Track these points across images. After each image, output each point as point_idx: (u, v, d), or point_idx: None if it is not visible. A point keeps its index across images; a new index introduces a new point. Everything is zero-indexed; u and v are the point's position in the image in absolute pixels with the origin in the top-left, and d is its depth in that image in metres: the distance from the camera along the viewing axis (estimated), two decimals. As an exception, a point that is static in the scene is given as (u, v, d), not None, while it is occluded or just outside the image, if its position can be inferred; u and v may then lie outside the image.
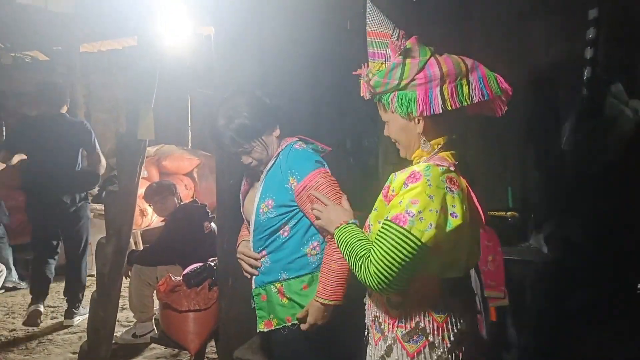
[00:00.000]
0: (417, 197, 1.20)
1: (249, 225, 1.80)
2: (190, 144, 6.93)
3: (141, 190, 3.42)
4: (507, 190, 2.58)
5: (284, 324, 1.73)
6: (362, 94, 1.40)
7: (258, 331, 1.77)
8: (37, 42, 6.41)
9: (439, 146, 1.33)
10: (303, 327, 1.69)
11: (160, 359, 3.29)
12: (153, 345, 3.43)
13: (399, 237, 1.20)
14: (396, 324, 1.33)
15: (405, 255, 1.20)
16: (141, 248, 4.89)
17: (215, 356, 3.18)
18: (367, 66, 1.37)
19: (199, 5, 2.55)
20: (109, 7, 4.68)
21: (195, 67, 6.13)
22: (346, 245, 1.36)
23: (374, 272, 1.24)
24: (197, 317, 2.66)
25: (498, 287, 2.18)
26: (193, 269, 2.80)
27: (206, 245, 3.50)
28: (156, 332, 3.51)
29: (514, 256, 2.33)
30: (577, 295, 2.41)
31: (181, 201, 3.71)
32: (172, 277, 2.76)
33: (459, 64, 1.28)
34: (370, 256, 1.26)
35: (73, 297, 3.91)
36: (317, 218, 1.53)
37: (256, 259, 1.77)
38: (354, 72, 1.41)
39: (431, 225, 1.19)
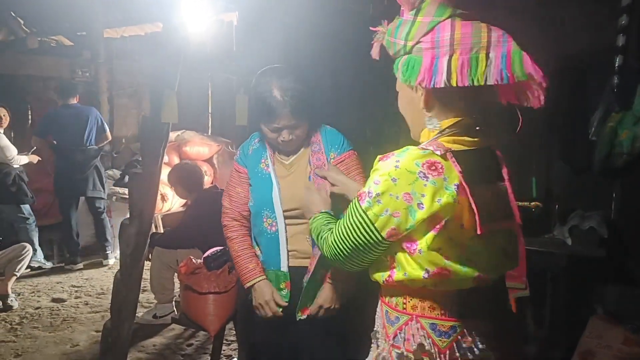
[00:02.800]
0: (380, 177, 1.08)
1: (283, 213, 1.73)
2: (210, 130, 6.98)
3: (162, 175, 3.47)
4: (531, 181, 2.54)
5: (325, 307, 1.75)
6: (371, 53, 1.23)
7: (298, 319, 1.75)
8: (62, 27, 6.51)
9: (448, 128, 1.12)
10: (312, 309, 1.73)
11: (179, 339, 3.36)
12: (172, 325, 3.50)
13: (355, 215, 1.12)
14: (391, 342, 1.18)
15: (358, 236, 1.11)
16: (162, 231, 4.97)
17: (233, 338, 3.23)
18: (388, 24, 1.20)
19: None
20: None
21: (216, 53, 6.15)
22: (317, 229, 1.32)
23: (331, 242, 1.19)
24: (217, 300, 2.69)
25: (519, 278, 2.16)
26: (213, 252, 2.83)
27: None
28: (176, 313, 3.58)
29: (537, 247, 2.30)
30: (600, 288, 2.37)
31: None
32: (193, 260, 2.79)
33: (478, 33, 1.06)
34: (334, 227, 1.21)
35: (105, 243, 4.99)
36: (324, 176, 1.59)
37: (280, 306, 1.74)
38: (372, 28, 1.23)
39: (387, 210, 1.07)
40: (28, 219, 4.80)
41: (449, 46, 1.06)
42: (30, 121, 6.83)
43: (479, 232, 1.06)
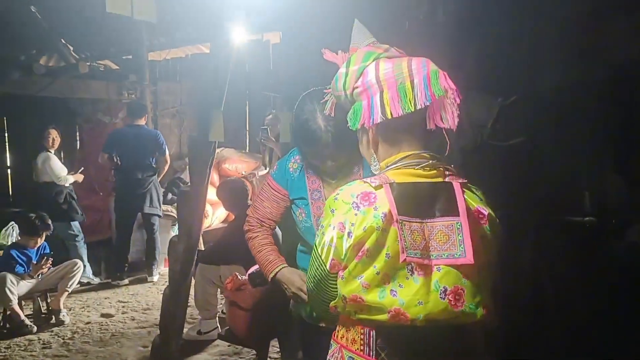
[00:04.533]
0: (325, 210, 1.16)
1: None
2: (247, 147, 7.10)
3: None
4: (584, 195, 2.45)
5: None
6: (326, 112, 1.37)
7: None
8: (108, 52, 6.83)
9: (387, 166, 1.16)
10: None
11: (224, 356, 3.37)
12: (217, 342, 3.53)
13: (314, 251, 1.18)
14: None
15: (314, 270, 1.17)
16: (203, 248, 5.06)
17: (277, 355, 3.22)
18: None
19: (264, 12, 2.61)
20: (178, 16, 4.91)
21: (254, 71, 6.30)
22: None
23: (307, 284, 1.26)
24: (262, 317, 2.70)
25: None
26: (257, 268, 2.84)
27: (268, 247, 3.57)
28: (220, 329, 3.61)
29: (592, 263, 2.21)
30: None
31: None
32: (239, 276, 2.82)
33: (399, 65, 1.13)
34: None
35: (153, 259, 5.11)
36: None
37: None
38: (325, 90, 1.36)
39: (327, 241, 1.11)
40: (77, 235, 4.98)
41: (376, 84, 1.13)
42: (78, 142, 7.16)
43: (400, 260, 1.04)
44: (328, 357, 1.22)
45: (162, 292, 4.69)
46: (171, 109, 6.27)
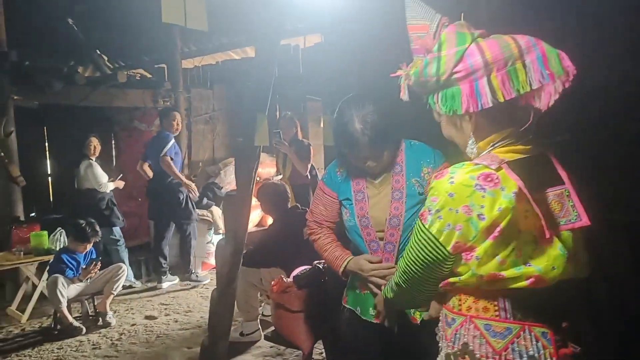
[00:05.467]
0: (437, 194, 1.13)
1: (375, 232, 1.75)
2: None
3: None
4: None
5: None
6: (401, 96, 1.28)
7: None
8: (142, 61, 7.00)
9: (492, 144, 1.17)
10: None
11: (267, 357, 3.42)
12: (259, 343, 3.58)
13: (421, 235, 1.16)
14: (449, 342, 1.21)
15: (427, 254, 1.15)
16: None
17: (319, 357, 3.25)
18: (408, 66, 1.25)
19: (305, 16, 2.64)
20: (209, 24, 5.01)
21: (284, 75, 6.37)
22: (387, 287, 1.44)
23: (404, 266, 1.23)
24: (308, 318, 2.73)
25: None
26: (302, 270, 2.88)
27: (306, 250, 3.59)
28: (261, 331, 3.67)
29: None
30: None
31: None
32: (284, 278, 2.86)
33: (508, 46, 1.10)
34: (398, 265, 1.27)
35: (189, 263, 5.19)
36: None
37: (389, 268, 1.72)
38: (391, 74, 1.29)
39: (449, 225, 1.10)
40: (119, 240, 5.12)
41: (484, 68, 1.10)
42: (114, 149, 7.36)
43: (547, 236, 1.08)
44: (450, 334, 1.20)
45: (201, 294, 4.81)
46: (204, 115, 6.38)
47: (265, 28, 2.40)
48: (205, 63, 7.13)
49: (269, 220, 4.14)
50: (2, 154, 4.67)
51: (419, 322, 1.73)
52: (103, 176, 5.07)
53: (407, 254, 1.22)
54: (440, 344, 1.29)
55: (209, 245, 5.70)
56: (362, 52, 2.48)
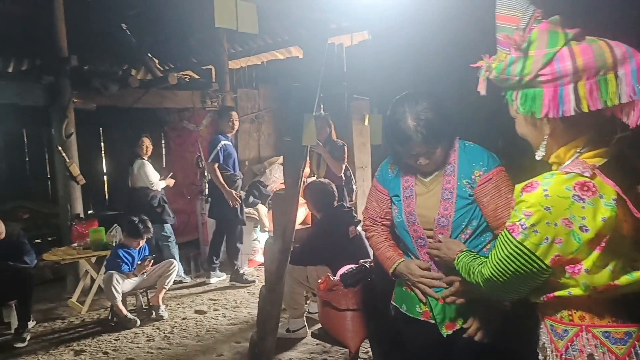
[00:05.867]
0: (531, 208, 1.09)
1: (422, 231, 1.75)
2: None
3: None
4: None
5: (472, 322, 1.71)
6: (478, 89, 1.22)
7: (445, 335, 1.74)
8: (190, 63, 7.22)
9: (578, 151, 1.13)
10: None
11: (313, 354, 3.46)
12: (306, 340, 3.63)
13: (512, 248, 1.12)
14: (562, 354, 1.17)
15: (519, 267, 1.12)
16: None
17: (366, 356, 3.26)
18: (490, 57, 1.20)
19: (353, 13, 2.65)
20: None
21: (328, 74, 6.39)
22: (465, 266, 1.39)
23: (488, 275, 1.20)
24: (355, 317, 2.76)
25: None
26: (349, 269, 2.90)
27: (352, 249, 3.61)
28: (307, 328, 3.71)
29: None
30: None
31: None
32: (331, 277, 2.89)
33: (602, 54, 1.04)
34: (487, 261, 1.23)
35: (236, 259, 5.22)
36: (436, 250, 1.62)
37: (438, 279, 1.72)
38: (472, 65, 1.24)
39: (547, 239, 1.07)
40: (170, 237, 5.30)
41: (572, 74, 1.05)
42: (164, 149, 7.64)
43: None
44: (562, 346, 1.17)
45: (248, 291, 4.92)
46: (250, 114, 6.50)
47: (312, 27, 2.42)
48: (251, 63, 7.25)
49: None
50: (64, 154, 4.94)
51: (458, 327, 1.73)
52: (155, 175, 5.27)
53: (496, 264, 1.18)
54: (543, 356, 1.26)
55: (254, 242, 5.82)
56: (413, 49, 2.46)
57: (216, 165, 5.01)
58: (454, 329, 1.73)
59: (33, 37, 5.41)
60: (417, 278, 1.75)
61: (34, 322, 4.15)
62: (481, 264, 1.30)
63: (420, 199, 1.77)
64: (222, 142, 5.07)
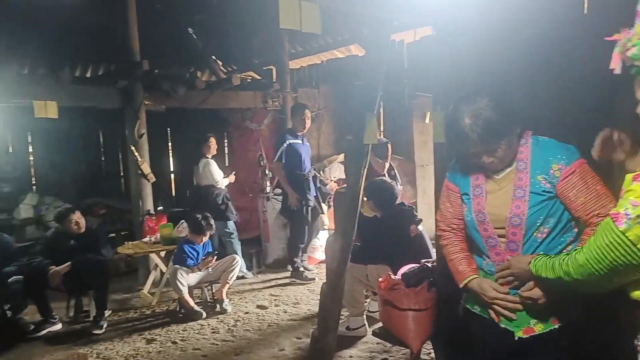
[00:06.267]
0: (639, 198, 1.06)
1: (495, 231, 1.70)
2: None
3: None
4: None
5: (551, 327, 1.64)
6: (612, 66, 1.14)
7: (517, 338, 1.68)
8: (252, 64, 7.40)
9: None
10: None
11: (373, 353, 3.45)
12: (366, 339, 3.63)
13: (612, 237, 1.10)
14: None
15: (617, 257, 1.10)
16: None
17: (427, 358, 3.21)
18: (629, 31, 1.10)
19: (417, 10, 2.60)
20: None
21: (388, 71, 6.33)
22: (547, 262, 1.38)
23: (584, 261, 1.18)
24: (417, 317, 2.72)
25: None
26: (411, 268, 2.87)
27: (413, 247, 3.57)
28: (367, 327, 3.71)
29: None
30: None
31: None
32: (392, 276, 2.86)
33: None
34: (584, 247, 1.20)
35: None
36: (506, 269, 1.60)
37: (514, 302, 1.66)
38: (607, 38, 1.15)
39: None
40: (233, 233, 5.48)
41: None
42: (227, 148, 7.89)
43: None
44: None
45: (308, 287, 4.98)
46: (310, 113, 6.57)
47: (375, 26, 2.41)
48: (311, 63, 7.33)
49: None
50: (136, 153, 5.24)
51: (537, 333, 1.66)
52: (219, 173, 5.47)
53: (594, 252, 1.17)
54: None
55: (314, 240, 5.88)
56: (479, 43, 2.39)
57: (280, 164, 5.11)
58: (531, 334, 1.66)
59: (108, 44, 5.76)
60: (491, 300, 1.70)
61: (110, 311, 4.43)
62: (574, 250, 1.28)
63: (491, 197, 1.72)
64: (288, 141, 5.13)
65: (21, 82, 5.07)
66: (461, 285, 1.79)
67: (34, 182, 7.53)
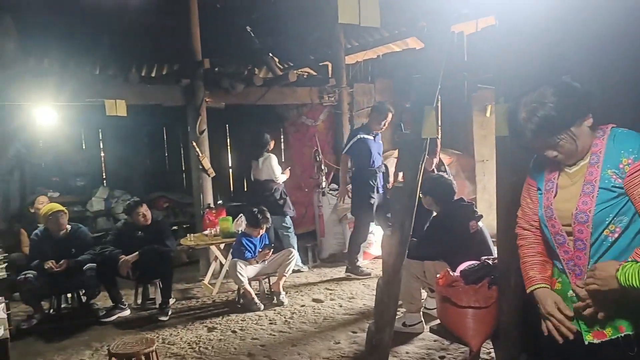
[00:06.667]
0: None
1: (561, 227, 1.64)
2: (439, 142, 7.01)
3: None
4: None
5: (618, 334, 1.56)
6: None
7: (587, 343, 1.61)
8: (308, 61, 7.45)
9: None
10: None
11: (431, 350, 3.40)
12: (422, 335, 3.59)
13: None
14: None
15: None
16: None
17: (487, 357, 3.12)
18: None
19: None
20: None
21: (448, 64, 6.17)
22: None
23: None
24: (477, 315, 2.64)
25: None
26: (470, 265, 2.79)
27: (472, 244, 3.47)
28: (424, 324, 3.66)
29: None
30: None
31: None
32: (450, 272, 2.81)
33: None
34: None
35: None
36: (591, 277, 1.49)
37: (569, 329, 1.61)
38: None
39: None
40: (289, 227, 5.57)
41: None
42: (283, 144, 8.02)
43: None
44: None
45: (364, 282, 4.98)
46: (366, 108, 6.54)
47: (434, 18, 2.37)
48: (367, 57, 7.29)
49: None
50: (197, 149, 5.44)
51: (608, 338, 1.58)
52: (279, 168, 5.57)
53: None
54: None
55: (370, 235, 5.86)
56: (546, 32, 2.29)
57: (347, 157, 5.15)
58: (603, 339, 1.59)
59: (172, 44, 6.02)
60: (546, 314, 1.67)
61: (174, 300, 4.64)
62: None
63: (562, 192, 1.66)
64: (359, 136, 5.10)
65: (93, 82, 5.41)
66: (528, 291, 1.75)
67: (104, 177, 8.00)
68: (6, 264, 4.19)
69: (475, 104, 5.83)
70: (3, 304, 3.05)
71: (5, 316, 2.89)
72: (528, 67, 2.30)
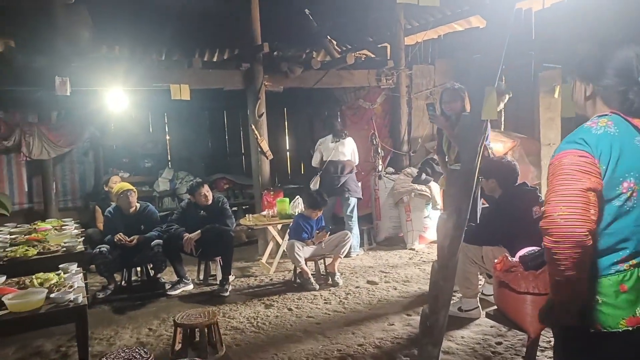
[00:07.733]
0: None
1: None
2: (503, 125, 6.75)
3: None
4: None
5: None
6: None
7: (623, 330, 1.47)
8: (366, 43, 7.37)
9: None
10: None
11: (487, 336, 3.34)
12: (479, 321, 3.53)
13: None
14: None
15: None
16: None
17: (547, 345, 3.03)
18: None
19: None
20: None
21: (513, 43, 5.89)
22: None
23: None
24: (536, 301, 2.57)
25: None
26: (530, 251, 2.71)
27: (534, 230, 3.34)
28: (481, 309, 3.59)
29: None
30: None
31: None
32: (509, 257, 2.74)
33: None
34: None
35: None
36: None
37: None
38: None
39: None
40: (353, 210, 5.59)
41: None
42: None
43: None
44: None
45: (419, 266, 4.95)
46: (425, 90, 6.40)
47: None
48: (427, 38, 7.10)
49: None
50: (257, 132, 5.58)
51: None
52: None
53: None
54: None
55: (426, 219, 5.80)
56: (622, 6, 2.15)
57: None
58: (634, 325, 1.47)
59: (233, 30, 6.16)
60: None
61: (234, 277, 4.84)
62: None
63: None
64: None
65: (159, 68, 5.66)
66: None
67: (169, 159, 8.40)
68: (83, 238, 4.53)
69: (542, 85, 5.54)
70: (81, 274, 3.31)
71: (83, 285, 3.14)
72: (601, 45, 2.17)
